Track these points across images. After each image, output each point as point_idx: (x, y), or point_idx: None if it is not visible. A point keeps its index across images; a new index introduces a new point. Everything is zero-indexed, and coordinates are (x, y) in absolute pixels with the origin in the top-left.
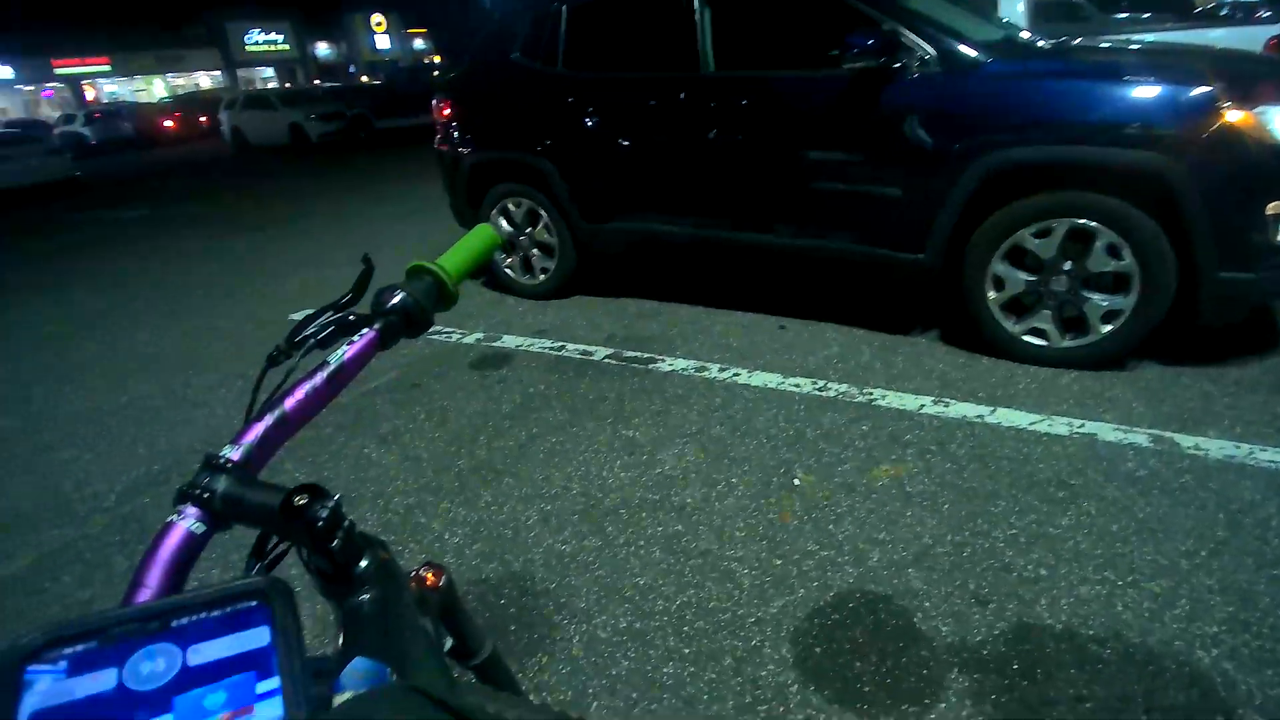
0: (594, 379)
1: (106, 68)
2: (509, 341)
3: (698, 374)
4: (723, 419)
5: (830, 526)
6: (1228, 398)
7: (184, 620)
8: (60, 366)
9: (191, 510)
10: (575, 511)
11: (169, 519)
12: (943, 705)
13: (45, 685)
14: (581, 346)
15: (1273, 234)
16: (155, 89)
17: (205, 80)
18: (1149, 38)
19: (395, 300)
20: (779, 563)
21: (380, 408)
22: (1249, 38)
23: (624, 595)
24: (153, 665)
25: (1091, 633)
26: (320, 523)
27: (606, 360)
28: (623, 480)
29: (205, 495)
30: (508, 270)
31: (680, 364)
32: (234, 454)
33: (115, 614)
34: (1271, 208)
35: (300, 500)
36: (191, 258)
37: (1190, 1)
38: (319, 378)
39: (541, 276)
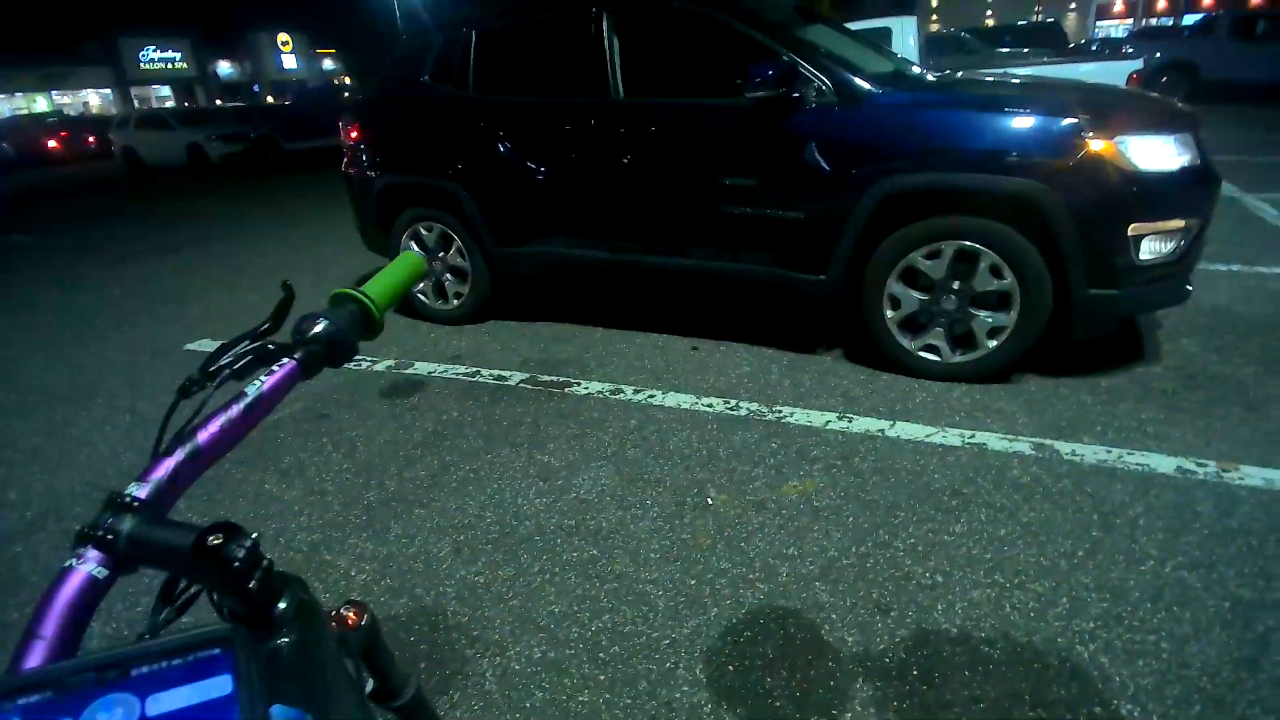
0: (509, 404)
1: None
2: (422, 368)
3: (613, 396)
4: (638, 441)
5: (742, 544)
6: (1100, 406)
7: (144, 669)
8: None
9: (93, 553)
10: (489, 541)
11: (67, 563)
12: (849, 716)
13: None
14: (496, 371)
15: (1135, 254)
16: (38, 106)
17: (94, 99)
18: (1028, 71)
19: (318, 328)
20: (693, 583)
21: (284, 440)
22: (1114, 71)
23: (539, 624)
24: (109, 716)
25: (983, 634)
26: (237, 563)
27: (522, 385)
28: (538, 507)
29: (108, 537)
30: (420, 296)
31: (596, 387)
32: (140, 491)
33: (73, 664)
34: (1133, 229)
35: (215, 540)
36: (85, 285)
37: (1065, 37)
38: (235, 410)
39: (455, 301)
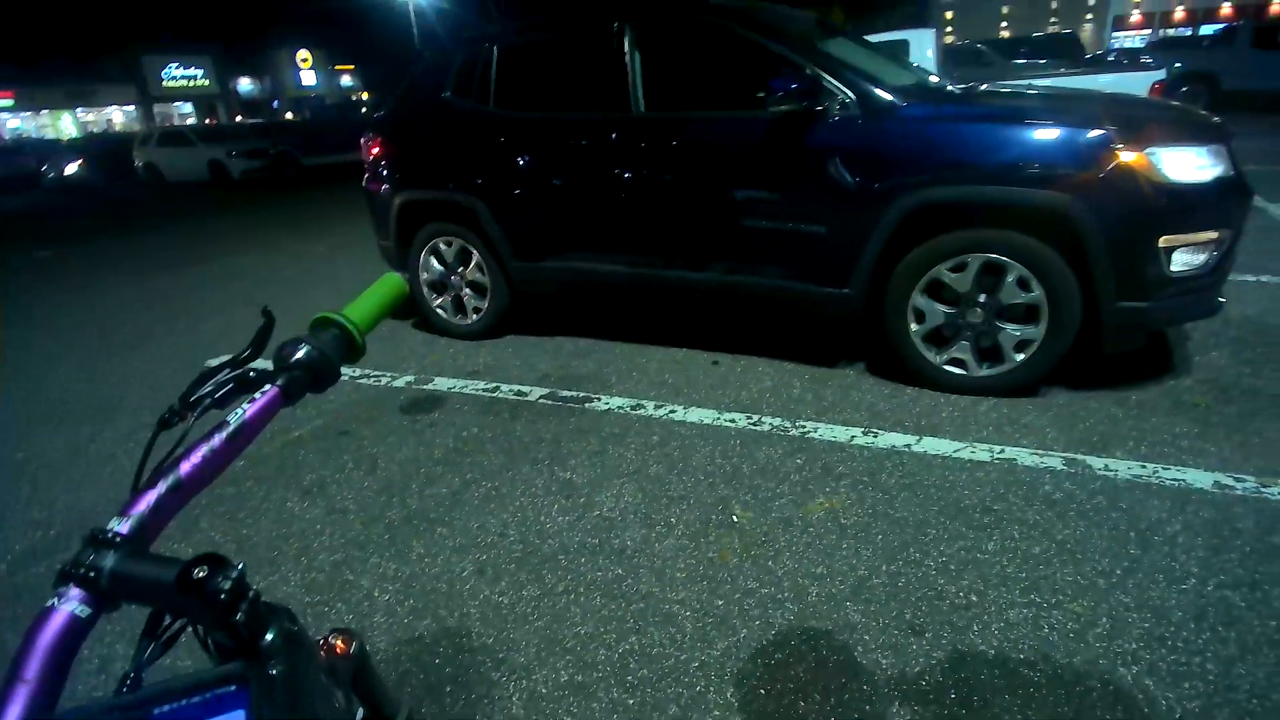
0: (529, 420)
1: (9, 102)
2: (441, 384)
3: (634, 412)
4: (660, 457)
5: (769, 563)
6: (1131, 420)
7: (165, 708)
8: None
9: (75, 592)
10: (512, 560)
11: (48, 603)
12: None
13: None
14: (516, 387)
15: (1166, 266)
16: (63, 125)
17: (118, 116)
18: (1047, 82)
19: (299, 354)
20: (720, 603)
21: (304, 457)
22: (1134, 82)
23: (565, 646)
24: None
25: (1022, 656)
26: (223, 595)
27: (542, 400)
28: (560, 525)
29: (90, 574)
30: (439, 311)
31: (616, 402)
32: (122, 527)
33: (102, 704)
34: (1164, 241)
35: (200, 573)
36: (109, 298)
37: (1081, 48)
38: (217, 439)
39: (474, 317)
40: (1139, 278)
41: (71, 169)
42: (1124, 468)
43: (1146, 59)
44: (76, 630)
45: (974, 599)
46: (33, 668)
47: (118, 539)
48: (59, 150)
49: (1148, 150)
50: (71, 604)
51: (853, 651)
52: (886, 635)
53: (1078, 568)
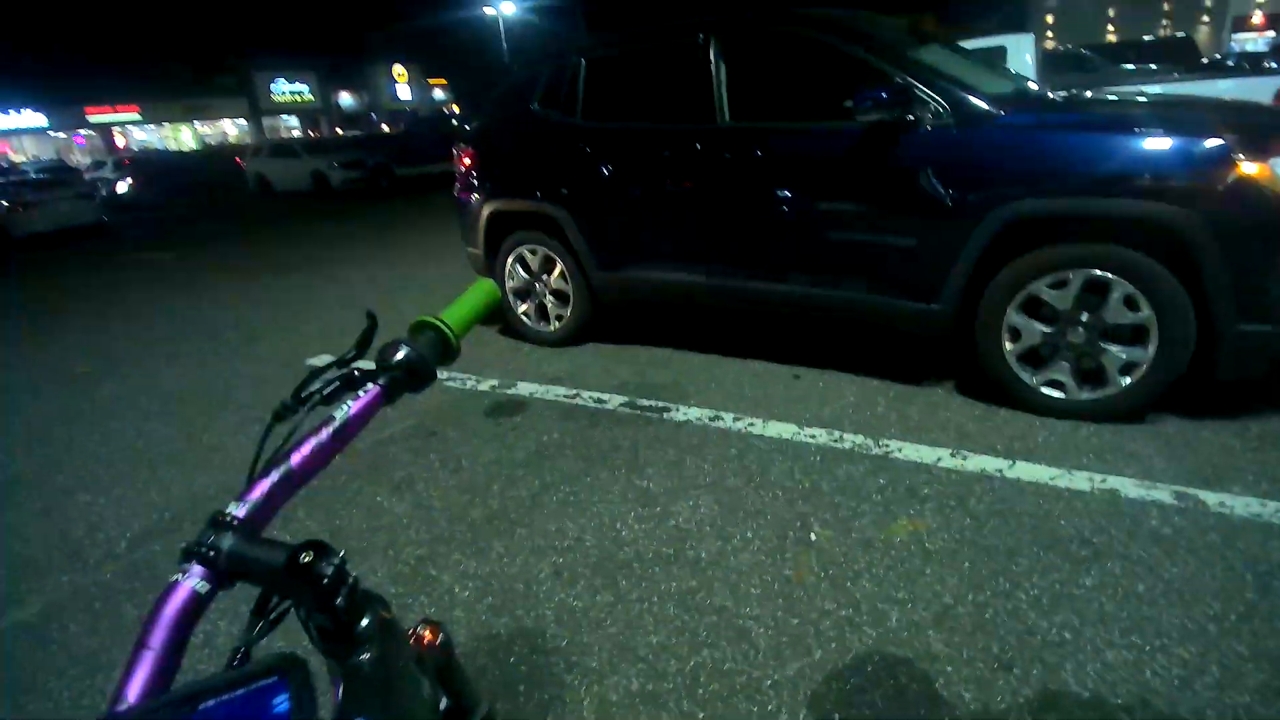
0: (608, 427)
1: (136, 116)
2: (523, 389)
3: (712, 423)
4: (738, 470)
5: (848, 584)
6: (1251, 453)
7: (210, 702)
8: (84, 407)
9: (196, 569)
10: (588, 565)
11: (173, 578)
12: None
13: None
14: (596, 394)
15: None
16: (183, 136)
17: (231, 128)
18: (1158, 89)
19: (399, 355)
20: (795, 622)
21: (395, 455)
22: (1258, 88)
23: (637, 654)
24: None
25: (1120, 701)
26: (325, 580)
27: (621, 408)
28: (637, 533)
29: (210, 553)
30: (523, 317)
31: (694, 413)
32: (239, 511)
33: (152, 706)
34: None
35: (306, 557)
36: (221, 299)
37: (1197, 52)
38: (325, 434)
39: (556, 324)
40: (1263, 298)
41: (122, 188)
42: (1241, 504)
43: (1271, 63)
44: (197, 604)
45: (1068, 636)
46: (158, 637)
47: (235, 522)
48: (103, 167)
49: (1272, 160)
50: (194, 580)
51: (933, 682)
52: (971, 668)
53: (1186, 610)
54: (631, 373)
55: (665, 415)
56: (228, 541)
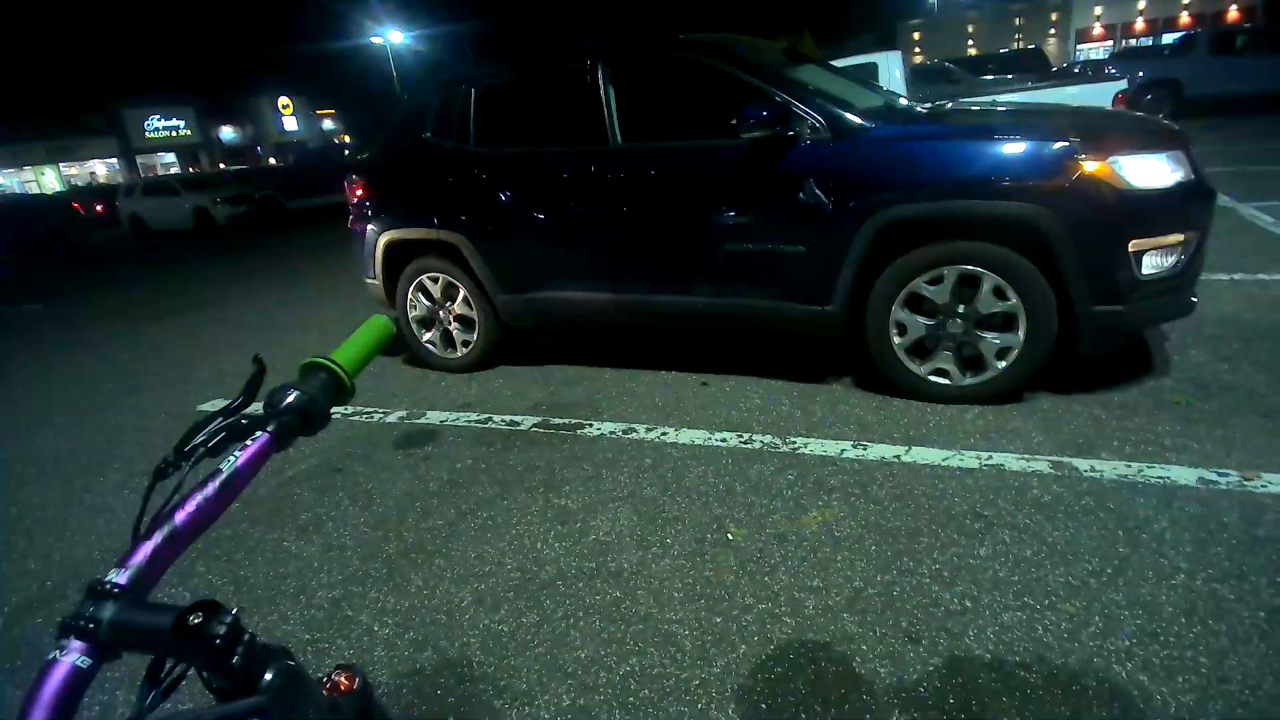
0: (523, 449)
1: None
2: (433, 417)
3: (626, 436)
4: (653, 479)
5: (766, 578)
6: (1115, 421)
7: None
8: None
9: (76, 644)
10: (511, 588)
11: (50, 656)
12: None
13: None
14: (508, 417)
15: (1137, 269)
16: (46, 180)
17: (101, 169)
18: (1014, 97)
19: (289, 400)
20: (719, 620)
21: (300, 496)
22: (1099, 93)
23: (566, 671)
24: None
25: (1017, 659)
26: (218, 640)
27: (534, 429)
28: (558, 551)
29: (90, 625)
30: (429, 345)
31: (608, 427)
32: (120, 577)
33: None
34: (1133, 245)
35: (195, 619)
36: (98, 350)
37: (1047, 62)
38: (211, 487)
39: (463, 350)
40: (1111, 282)
41: None
42: (1109, 468)
43: (1110, 70)
44: (79, 681)
45: (968, 604)
46: (38, 719)
47: (116, 590)
48: None
49: (1110, 159)
50: (73, 655)
51: (851, 662)
52: (884, 644)
53: (1069, 569)
54: (544, 393)
55: (579, 432)
56: (109, 611)
